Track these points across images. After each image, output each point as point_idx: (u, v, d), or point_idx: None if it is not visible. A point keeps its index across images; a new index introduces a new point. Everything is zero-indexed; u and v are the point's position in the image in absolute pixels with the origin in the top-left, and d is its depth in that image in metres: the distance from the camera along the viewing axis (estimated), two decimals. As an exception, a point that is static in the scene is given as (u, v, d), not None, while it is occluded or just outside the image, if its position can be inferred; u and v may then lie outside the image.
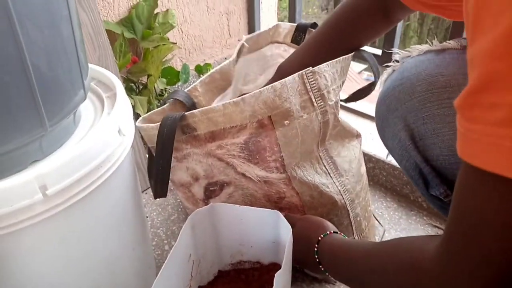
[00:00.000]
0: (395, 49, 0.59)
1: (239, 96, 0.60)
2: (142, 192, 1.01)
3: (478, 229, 0.31)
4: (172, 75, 1.11)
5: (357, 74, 2.41)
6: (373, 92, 0.78)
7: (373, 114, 1.14)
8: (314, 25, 0.80)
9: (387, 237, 0.85)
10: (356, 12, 0.67)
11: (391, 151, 0.60)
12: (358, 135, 0.74)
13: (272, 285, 0.47)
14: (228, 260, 0.69)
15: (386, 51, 0.98)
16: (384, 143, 0.63)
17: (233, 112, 0.58)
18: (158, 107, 0.77)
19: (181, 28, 1.28)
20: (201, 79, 0.80)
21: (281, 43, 0.84)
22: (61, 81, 0.49)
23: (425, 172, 0.52)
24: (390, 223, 0.90)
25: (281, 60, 0.84)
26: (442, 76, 0.50)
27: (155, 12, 1.11)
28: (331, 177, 0.68)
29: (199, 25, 1.34)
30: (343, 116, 0.71)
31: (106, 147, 0.51)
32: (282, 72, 0.68)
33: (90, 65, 0.60)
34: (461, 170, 0.33)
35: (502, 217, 0.29)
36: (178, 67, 1.25)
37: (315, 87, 0.60)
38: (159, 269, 0.52)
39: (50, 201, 0.46)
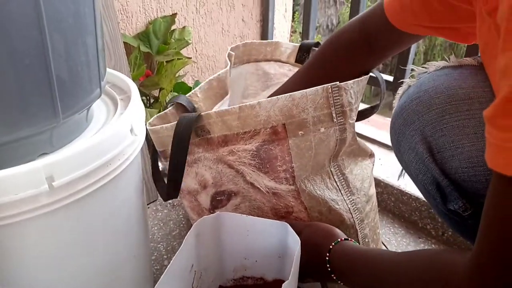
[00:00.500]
0: (410, 66, 0.59)
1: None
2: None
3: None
4: (184, 90, 1.12)
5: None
6: (379, 119, 0.79)
7: (381, 140, 1.14)
8: (317, 45, 0.81)
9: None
10: (341, 46, 0.68)
11: (406, 166, 0.59)
12: (371, 155, 0.73)
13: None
14: (231, 275, 0.66)
15: (402, 67, 0.98)
16: (398, 158, 0.62)
17: (248, 115, 0.57)
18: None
19: (195, 47, 1.31)
20: (200, 85, 0.80)
21: (285, 62, 0.84)
22: (79, 76, 0.49)
23: (443, 186, 0.51)
24: (398, 250, 0.87)
25: (285, 79, 0.85)
26: (461, 89, 0.50)
27: (171, 29, 1.13)
28: (341, 194, 0.67)
29: (213, 46, 1.36)
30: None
31: (117, 144, 0.50)
32: None
33: (107, 69, 0.61)
34: (492, 182, 0.32)
35: None
36: (190, 85, 1.26)
37: (338, 103, 0.58)
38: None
39: (56, 193, 0.45)
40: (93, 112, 0.59)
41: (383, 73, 1.11)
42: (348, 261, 0.53)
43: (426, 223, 0.91)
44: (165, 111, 0.75)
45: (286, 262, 0.62)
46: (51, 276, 0.50)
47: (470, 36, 0.60)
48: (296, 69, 0.84)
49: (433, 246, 0.88)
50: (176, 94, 1.11)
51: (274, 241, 0.60)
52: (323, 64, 0.70)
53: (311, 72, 0.71)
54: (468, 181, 0.48)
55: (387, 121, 0.62)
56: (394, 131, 0.58)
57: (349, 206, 0.67)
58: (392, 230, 0.93)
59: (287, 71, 0.85)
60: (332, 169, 0.66)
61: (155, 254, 0.86)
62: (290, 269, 0.50)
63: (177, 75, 1.11)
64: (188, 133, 0.58)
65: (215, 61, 1.39)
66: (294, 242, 0.55)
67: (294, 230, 0.57)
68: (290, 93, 0.57)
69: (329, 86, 0.57)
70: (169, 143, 0.64)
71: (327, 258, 0.54)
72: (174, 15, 1.15)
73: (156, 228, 0.94)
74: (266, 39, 1.50)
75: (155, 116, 0.74)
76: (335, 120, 0.59)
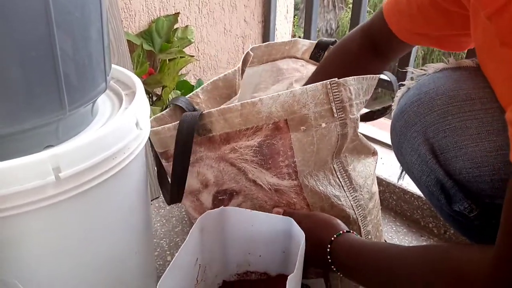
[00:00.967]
0: (410, 68, 0.59)
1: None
2: (147, 202, 0.99)
3: None
4: (186, 89, 1.12)
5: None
6: (380, 119, 0.79)
7: (383, 139, 1.14)
8: (334, 43, 0.81)
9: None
10: (346, 53, 0.70)
11: (408, 168, 0.59)
12: (374, 153, 0.73)
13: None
14: (234, 270, 0.66)
15: (401, 70, 0.99)
16: (400, 160, 0.62)
17: (249, 112, 0.58)
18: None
19: (197, 47, 1.31)
20: (202, 86, 0.79)
21: (299, 58, 0.84)
22: (86, 69, 0.49)
23: (447, 187, 0.51)
24: (400, 248, 0.87)
25: (297, 74, 0.85)
26: (462, 90, 0.50)
27: (174, 27, 1.14)
28: (344, 190, 0.67)
29: (215, 45, 1.37)
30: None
31: (123, 137, 0.51)
32: None
33: (112, 65, 0.61)
34: (511, 182, 0.31)
35: None
36: (193, 84, 1.26)
37: (338, 99, 0.60)
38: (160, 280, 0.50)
39: (62, 185, 0.45)
40: (98, 106, 0.59)
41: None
42: (350, 254, 0.53)
43: (428, 222, 0.91)
44: (162, 112, 0.75)
45: (290, 257, 0.62)
46: (55, 267, 0.50)
47: (464, 44, 0.61)
48: (309, 65, 0.84)
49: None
50: (178, 92, 1.12)
51: (278, 236, 0.60)
52: (330, 72, 0.70)
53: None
54: (472, 182, 0.48)
55: (388, 122, 0.62)
56: (395, 133, 0.58)
57: (351, 202, 0.67)
58: (394, 228, 0.93)
59: (299, 66, 0.85)
60: (335, 166, 0.66)
61: (158, 250, 0.87)
62: (294, 264, 0.51)
63: (179, 73, 1.12)
64: (191, 133, 0.58)
65: (217, 60, 1.39)
66: (299, 237, 0.55)
67: (294, 219, 0.58)
68: (291, 90, 0.58)
69: (328, 82, 0.59)
70: (171, 143, 0.64)
71: (328, 249, 0.54)
72: (177, 14, 1.16)
73: (159, 224, 0.94)
74: (268, 39, 1.51)
75: (152, 118, 0.73)
76: (335, 115, 0.60)
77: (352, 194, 0.68)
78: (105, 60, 0.53)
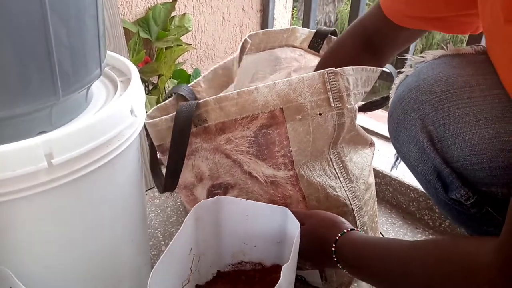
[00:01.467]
0: (408, 55, 0.58)
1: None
2: (143, 191, 0.99)
3: None
4: (183, 78, 1.11)
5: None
6: (377, 111, 0.78)
7: (379, 131, 1.14)
8: (334, 33, 0.80)
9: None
10: (344, 52, 0.70)
11: (405, 156, 0.59)
12: (371, 144, 0.73)
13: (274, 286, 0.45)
14: (229, 260, 0.66)
15: (400, 58, 0.98)
16: (397, 148, 0.61)
17: (246, 101, 0.57)
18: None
19: (195, 35, 1.30)
20: (204, 74, 0.78)
21: (297, 47, 0.83)
22: (80, 54, 0.49)
23: (444, 175, 0.50)
24: (395, 240, 0.87)
25: (295, 64, 0.84)
26: (461, 77, 0.49)
27: (171, 15, 1.12)
28: (340, 181, 0.66)
29: (213, 34, 1.35)
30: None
31: (117, 124, 0.50)
32: None
33: (107, 52, 0.60)
34: None
35: None
36: (189, 73, 1.25)
37: (335, 88, 0.59)
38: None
39: (55, 171, 0.44)
40: (92, 93, 0.58)
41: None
42: (356, 252, 0.53)
43: (424, 214, 0.91)
44: (165, 101, 0.74)
45: (285, 247, 0.62)
46: (47, 255, 0.49)
47: (464, 26, 0.60)
48: (307, 55, 0.83)
49: (430, 236, 0.88)
50: (175, 81, 1.10)
51: (274, 226, 0.60)
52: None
53: None
54: (470, 170, 0.47)
55: (385, 113, 0.62)
56: (393, 121, 0.58)
57: (347, 193, 0.67)
58: (389, 220, 0.93)
59: (297, 56, 0.84)
60: (331, 156, 0.65)
61: (153, 239, 0.86)
62: (289, 254, 0.50)
63: (176, 62, 1.10)
64: (189, 123, 0.58)
65: (214, 50, 1.38)
66: (294, 227, 0.55)
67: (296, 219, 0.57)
68: (287, 78, 0.58)
69: (325, 71, 0.58)
70: (167, 135, 0.63)
71: (333, 249, 0.54)
72: (174, 2, 1.14)
73: (153, 214, 0.94)
74: (266, 28, 1.49)
75: (154, 107, 0.72)
76: (332, 105, 0.59)
77: (348, 185, 0.67)
78: (100, 46, 0.52)
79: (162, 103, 0.73)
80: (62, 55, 0.45)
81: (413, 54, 1.05)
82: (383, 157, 1.03)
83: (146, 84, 1.11)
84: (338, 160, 0.66)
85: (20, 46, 0.41)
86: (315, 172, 0.64)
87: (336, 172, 0.66)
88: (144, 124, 0.64)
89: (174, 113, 0.60)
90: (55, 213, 0.48)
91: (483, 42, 0.68)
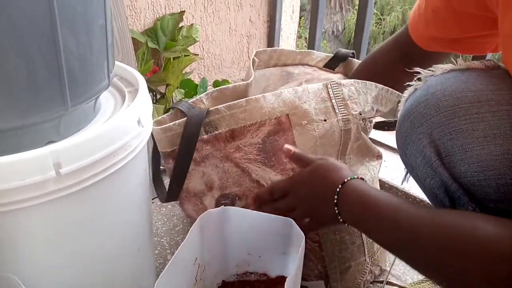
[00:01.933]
0: (417, 69, 0.58)
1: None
2: (149, 200, 0.99)
3: None
4: (190, 87, 1.12)
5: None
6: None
7: (386, 142, 1.14)
8: (353, 54, 0.82)
9: (398, 263, 0.82)
10: (378, 66, 0.71)
11: (413, 170, 0.58)
12: (379, 156, 0.73)
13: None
14: (234, 271, 0.66)
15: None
16: (404, 162, 0.61)
17: (253, 108, 0.59)
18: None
19: (202, 45, 1.31)
20: (208, 91, 0.77)
21: (312, 66, 0.85)
22: (88, 65, 0.49)
23: (452, 190, 0.50)
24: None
25: (308, 77, 0.85)
26: (470, 92, 0.49)
27: (179, 26, 1.14)
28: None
29: (220, 44, 1.37)
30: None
31: (124, 134, 0.50)
32: None
33: (115, 62, 0.61)
34: None
35: None
36: (197, 82, 1.26)
37: (339, 96, 0.62)
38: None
39: (63, 180, 0.45)
40: (100, 103, 0.59)
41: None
42: (362, 201, 0.51)
43: (431, 226, 0.90)
44: (162, 116, 0.74)
45: (290, 258, 0.61)
46: (55, 263, 0.50)
47: (481, 46, 0.61)
48: (321, 71, 0.84)
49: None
50: (182, 90, 1.12)
51: (278, 237, 0.60)
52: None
53: None
54: (477, 186, 0.47)
55: (393, 124, 0.63)
56: (401, 134, 0.57)
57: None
58: (396, 231, 0.92)
59: (311, 71, 0.85)
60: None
61: (159, 248, 0.86)
62: (294, 266, 0.50)
63: (183, 71, 1.12)
64: (198, 128, 0.58)
65: (221, 59, 1.39)
66: (298, 238, 0.55)
67: (302, 163, 0.56)
68: (293, 87, 0.60)
69: (329, 82, 0.61)
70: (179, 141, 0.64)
71: (337, 189, 0.52)
72: (182, 12, 1.16)
73: (160, 223, 0.94)
74: (273, 39, 1.51)
75: (154, 120, 0.72)
76: (337, 111, 0.62)
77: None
78: (108, 57, 0.53)
79: (160, 117, 0.73)
80: (71, 67, 0.46)
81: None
82: (390, 168, 1.02)
83: (154, 93, 1.12)
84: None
85: (30, 58, 0.42)
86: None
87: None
88: (151, 134, 0.65)
89: (185, 118, 0.61)
90: (63, 222, 0.48)
91: (489, 57, 0.68)
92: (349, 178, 0.53)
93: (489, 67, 0.53)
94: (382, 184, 0.97)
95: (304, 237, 0.54)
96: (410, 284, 0.78)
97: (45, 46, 0.42)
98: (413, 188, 0.93)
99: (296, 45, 1.67)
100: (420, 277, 0.79)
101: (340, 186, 0.52)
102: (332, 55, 0.84)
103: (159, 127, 0.65)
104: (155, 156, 0.71)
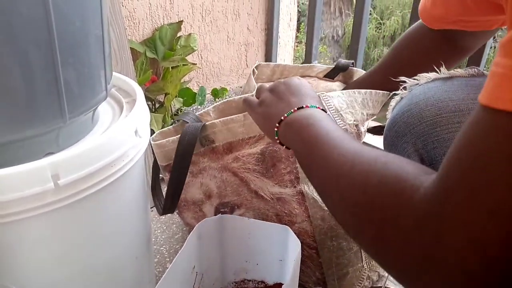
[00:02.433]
0: (402, 78, 0.59)
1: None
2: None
3: (484, 161, 0.25)
4: (188, 96, 1.13)
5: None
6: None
7: (378, 145, 1.14)
8: (354, 64, 0.83)
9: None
10: (417, 44, 0.68)
11: None
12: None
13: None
14: (232, 278, 0.66)
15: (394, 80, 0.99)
16: None
17: (252, 122, 0.59)
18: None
19: (200, 54, 1.32)
20: (215, 104, 0.78)
21: (312, 77, 0.86)
22: (86, 78, 0.50)
23: None
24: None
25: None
26: (452, 101, 0.50)
27: (177, 36, 1.15)
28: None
29: (218, 53, 1.38)
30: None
31: (121, 145, 0.51)
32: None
33: (113, 73, 0.62)
34: (479, 116, 0.27)
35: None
36: (195, 91, 1.27)
37: (332, 108, 0.62)
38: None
39: (61, 192, 0.45)
40: (99, 114, 0.60)
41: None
42: (301, 131, 0.46)
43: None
44: (168, 127, 0.75)
45: (287, 266, 0.62)
46: (54, 273, 0.50)
47: (488, 23, 0.60)
48: (320, 81, 0.85)
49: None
50: (181, 99, 1.13)
51: (276, 244, 0.60)
52: (399, 66, 0.70)
53: (386, 71, 0.71)
54: None
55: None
56: (387, 143, 0.59)
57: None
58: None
59: (311, 81, 0.86)
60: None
61: (158, 256, 0.87)
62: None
63: (182, 80, 1.13)
64: (193, 143, 0.59)
65: (220, 68, 1.40)
66: (295, 246, 0.55)
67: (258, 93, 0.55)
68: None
69: (319, 94, 0.61)
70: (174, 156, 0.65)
71: (282, 118, 0.49)
72: (180, 22, 1.17)
73: (159, 231, 0.95)
74: (271, 47, 1.52)
75: (158, 132, 0.73)
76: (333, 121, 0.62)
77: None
78: (106, 68, 0.54)
79: (166, 128, 0.74)
80: (69, 79, 0.46)
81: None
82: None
83: (153, 102, 1.13)
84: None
85: (28, 71, 0.42)
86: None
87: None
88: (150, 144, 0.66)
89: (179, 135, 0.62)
90: (61, 232, 0.49)
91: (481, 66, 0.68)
92: (296, 108, 0.49)
93: (473, 75, 0.54)
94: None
95: (300, 244, 0.55)
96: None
97: (42, 59, 0.43)
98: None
99: (294, 52, 1.68)
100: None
101: (285, 115, 0.49)
102: (333, 66, 0.85)
103: (154, 142, 0.66)
104: (156, 166, 0.71)
